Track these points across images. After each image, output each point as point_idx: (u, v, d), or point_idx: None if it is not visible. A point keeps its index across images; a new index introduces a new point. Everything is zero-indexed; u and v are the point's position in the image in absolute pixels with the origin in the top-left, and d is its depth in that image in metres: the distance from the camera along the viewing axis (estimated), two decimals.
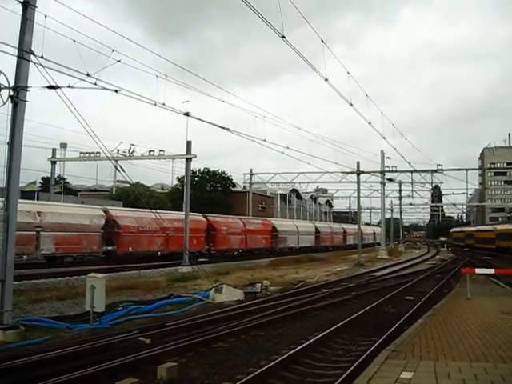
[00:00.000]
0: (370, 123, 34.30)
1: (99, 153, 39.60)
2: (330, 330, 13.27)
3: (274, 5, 16.78)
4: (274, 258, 47.70)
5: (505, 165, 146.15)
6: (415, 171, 55.62)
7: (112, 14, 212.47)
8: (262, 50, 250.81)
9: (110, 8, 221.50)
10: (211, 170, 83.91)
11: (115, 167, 19.57)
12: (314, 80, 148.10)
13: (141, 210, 41.86)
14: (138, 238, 40.85)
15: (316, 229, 75.21)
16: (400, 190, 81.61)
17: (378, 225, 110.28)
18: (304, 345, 11.59)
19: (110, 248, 38.95)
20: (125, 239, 39.92)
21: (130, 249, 40.27)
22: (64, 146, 58.47)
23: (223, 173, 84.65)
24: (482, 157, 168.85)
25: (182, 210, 40.43)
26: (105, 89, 17.78)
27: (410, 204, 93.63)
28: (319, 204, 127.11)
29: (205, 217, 49.33)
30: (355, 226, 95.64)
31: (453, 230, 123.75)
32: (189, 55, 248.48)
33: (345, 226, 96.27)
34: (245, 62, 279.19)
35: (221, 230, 50.43)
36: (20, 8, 13.52)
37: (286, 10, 16.67)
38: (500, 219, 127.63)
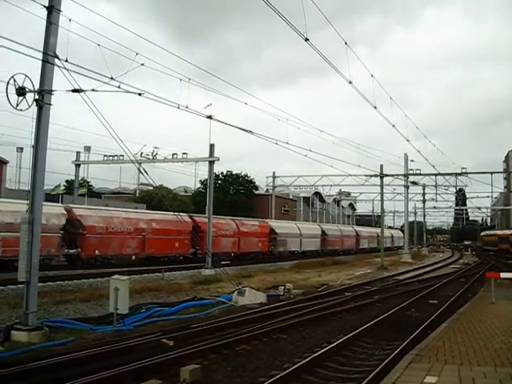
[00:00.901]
0: (394, 126, 34.10)
1: (123, 156, 39.77)
2: (352, 334, 13.22)
3: (295, 7, 16.79)
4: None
5: None
6: (439, 174, 55.16)
7: (132, 16, 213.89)
8: (284, 52, 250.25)
9: (129, 10, 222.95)
10: (234, 172, 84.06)
11: (139, 170, 19.61)
12: (336, 82, 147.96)
13: (111, 208, 41.16)
14: (106, 239, 36.82)
15: (322, 231, 69.76)
16: (424, 193, 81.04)
17: (402, 228, 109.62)
18: (327, 348, 11.55)
19: (72, 251, 35.14)
20: (90, 241, 35.86)
21: (97, 252, 36.27)
22: (88, 149, 58.85)
23: (246, 176, 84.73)
24: (506, 160, 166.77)
25: (204, 213, 40.36)
26: (128, 92, 17.87)
27: (434, 207, 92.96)
28: (342, 207, 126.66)
29: (190, 217, 45.48)
30: (371, 229, 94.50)
31: (483, 233, 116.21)
32: (209, 58, 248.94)
33: (358, 228, 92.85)
34: (266, 64, 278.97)
35: (245, 232, 49.24)
36: (45, 12, 13.65)
37: (308, 12, 16.62)
38: None
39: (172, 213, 38.07)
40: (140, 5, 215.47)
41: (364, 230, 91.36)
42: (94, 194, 76.17)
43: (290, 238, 59.53)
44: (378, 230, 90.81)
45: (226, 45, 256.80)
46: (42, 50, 13.61)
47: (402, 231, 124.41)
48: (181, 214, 42.29)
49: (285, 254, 58.27)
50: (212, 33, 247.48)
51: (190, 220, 44.27)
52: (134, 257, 39.99)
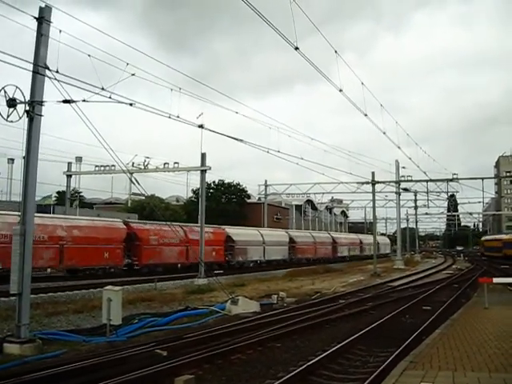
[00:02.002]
0: (384, 133, 34.20)
1: (114, 166, 39.74)
2: (347, 341, 13.19)
3: (283, 13, 16.80)
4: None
5: None
6: (430, 180, 55.35)
7: (118, 25, 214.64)
8: (273, 59, 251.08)
9: (116, 19, 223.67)
10: (226, 181, 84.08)
11: (130, 180, 19.63)
12: (326, 89, 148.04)
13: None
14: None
15: (290, 238, 61.69)
16: (415, 200, 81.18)
17: (394, 235, 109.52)
18: (321, 356, 11.53)
19: None
20: None
21: None
22: (79, 159, 58.77)
23: (238, 184, 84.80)
24: (497, 165, 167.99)
25: (197, 222, 40.17)
26: (120, 102, 17.86)
27: (426, 213, 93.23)
28: (334, 214, 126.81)
29: (126, 223, 40.42)
30: (352, 235, 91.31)
31: (485, 237, 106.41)
32: (197, 66, 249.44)
33: (336, 234, 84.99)
34: (255, 72, 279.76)
35: (148, 239, 40.15)
36: (33, 22, 13.67)
37: (296, 19, 16.61)
38: None
39: (105, 219, 36.55)
40: (126, 14, 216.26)
41: (343, 237, 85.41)
42: (85, 205, 75.99)
43: (250, 246, 52.72)
44: (361, 237, 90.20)
45: (213, 53, 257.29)
46: (31, 60, 13.60)
47: (390, 237, 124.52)
48: (114, 219, 40.64)
49: (245, 264, 52.57)
50: (199, 41, 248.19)
51: (124, 227, 39.36)
52: (49, 270, 35.01)
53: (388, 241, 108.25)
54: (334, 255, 73.76)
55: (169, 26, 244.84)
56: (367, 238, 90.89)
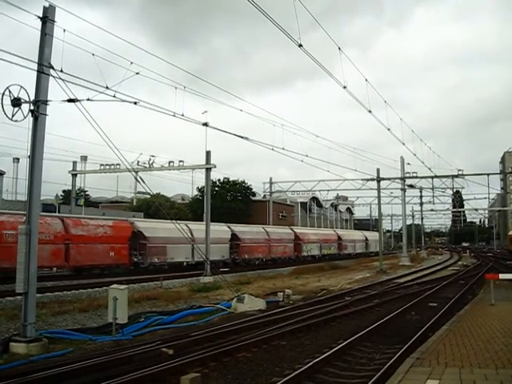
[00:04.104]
0: (389, 129, 34.09)
1: (119, 165, 39.79)
2: (353, 339, 13.17)
3: (284, 10, 16.72)
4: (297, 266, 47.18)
5: None
6: (436, 177, 55.23)
7: (116, 23, 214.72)
8: (273, 56, 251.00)
9: (114, 17, 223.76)
10: (231, 179, 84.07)
11: (135, 179, 19.61)
12: (328, 86, 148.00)
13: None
14: None
15: (234, 234, 50.74)
16: (421, 196, 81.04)
17: (400, 231, 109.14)
18: (327, 354, 11.51)
19: None
20: None
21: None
22: (84, 158, 59.00)
23: (243, 182, 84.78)
24: (503, 161, 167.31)
25: (202, 220, 40.10)
26: (124, 101, 17.85)
27: (432, 210, 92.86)
28: (340, 212, 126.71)
29: (61, 219, 34.75)
30: (329, 231, 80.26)
31: None
32: (197, 63, 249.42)
33: (303, 230, 70.26)
34: (255, 69, 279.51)
35: (80, 235, 34.31)
36: (33, 20, 13.68)
37: (294, 15, 16.50)
38: None
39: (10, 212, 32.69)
40: (124, 11, 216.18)
41: (312, 233, 70.53)
42: (91, 204, 76.13)
43: (171, 244, 41.11)
44: (343, 232, 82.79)
45: (213, 50, 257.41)
46: (34, 59, 13.62)
47: (395, 234, 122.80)
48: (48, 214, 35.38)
49: (164, 265, 41.89)
50: (198, 38, 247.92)
51: (59, 221, 34.07)
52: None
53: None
54: (297, 254, 61.42)
55: (167, 23, 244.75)
56: (352, 235, 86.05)
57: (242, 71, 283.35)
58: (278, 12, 16.16)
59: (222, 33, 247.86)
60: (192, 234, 41.17)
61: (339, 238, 76.06)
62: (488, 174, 56.19)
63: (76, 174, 49.51)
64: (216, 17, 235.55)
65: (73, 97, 14.64)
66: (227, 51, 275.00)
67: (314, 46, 19.50)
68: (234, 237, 50.70)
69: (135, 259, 39.38)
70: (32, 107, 13.42)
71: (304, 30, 16.49)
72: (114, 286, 15.39)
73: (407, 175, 54.93)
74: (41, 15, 13.69)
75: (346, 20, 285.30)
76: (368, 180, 54.16)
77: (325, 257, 66.65)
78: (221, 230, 48.28)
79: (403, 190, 59.28)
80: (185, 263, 43.82)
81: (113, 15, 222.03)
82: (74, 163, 49.39)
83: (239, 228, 52.84)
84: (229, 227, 50.80)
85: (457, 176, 54.31)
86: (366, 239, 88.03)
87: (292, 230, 63.19)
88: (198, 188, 78.52)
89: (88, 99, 15.96)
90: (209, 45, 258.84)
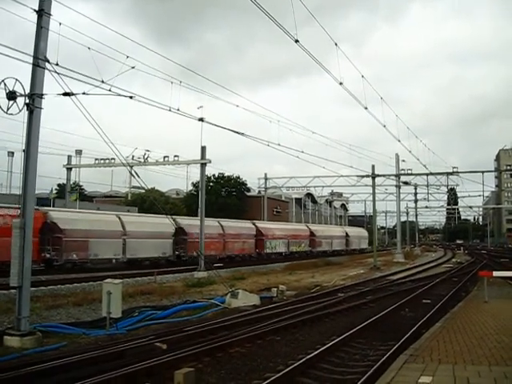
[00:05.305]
0: (384, 126, 34.13)
1: (114, 159, 39.75)
2: (346, 335, 13.19)
3: (278, 4, 16.63)
4: (289, 262, 47.17)
5: None
6: (430, 174, 55.33)
7: (109, 16, 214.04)
8: (268, 51, 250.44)
9: (106, 10, 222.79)
10: (226, 174, 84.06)
11: (130, 173, 19.55)
12: (324, 81, 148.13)
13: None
14: None
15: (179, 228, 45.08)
16: (415, 193, 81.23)
17: (394, 228, 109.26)
18: (321, 349, 11.53)
19: None
20: None
21: None
22: (79, 152, 58.78)
23: (238, 178, 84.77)
24: (497, 158, 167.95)
25: (197, 216, 40.07)
26: (119, 95, 17.80)
27: (426, 207, 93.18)
28: (334, 208, 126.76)
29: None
30: (295, 226, 72.84)
31: None
32: (190, 58, 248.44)
33: (280, 226, 65.18)
34: (250, 64, 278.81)
35: None
36: (26, 12, 13.67)
37: (289, 10, 16.40)
38: None
39: None
40: (117, 5, 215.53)
41: (278, 228, 62.84)
42: (85, 198, 76.00)
43: (95, 238, 36.47)
44: (317, 228, 75.36)
45: (206, 44, 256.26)
46: (29, 52, 13.58)
47: (390, 231, 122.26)
48: None
49: (87, 263, 36.36)
50: (192, 32, 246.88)
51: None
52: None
53: (366, 234, 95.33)
54: (261, 251, 56.66)
55: (159, 17, 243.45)
56: (326, 230, 78.34)
57: (236, 66, 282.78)
58: (272, 6, 16.04)
59: (215, 27, 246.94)
60: (124, 227, 38.95)
61: (312, 233, 69.30)
62: (483, 172, 56.34)
63: (71, 168, 49.41)
64: (210, 11, 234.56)
65: (68, 90, 14.60)
66: (221, 46, 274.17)
67: (309, 41, 19.41)
68: (180, 231, 45.09)
69: (47, 255, 34.06)
70: (27, 100, 13.37)
71: (298, 24, 16.42)
72: (108, 280, 15.38)
73: (402, 172, 55.04)
74: (37, 8, 13.64)
75: (341, 15, 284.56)
76: (363, 176, 54.27)
77: (293, 255, 61.06)
78: (162, 222, 40.64)
79: (398, 186, 59.45)
80: (114, 260, 38.69)
81: (105, 9, 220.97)
82: (69, 157, 49.31)
83: (186, 221, 46.61)
84: (174, 220, 43.31)
85: (451, 173, 54.47)
86: (347, 235, 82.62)
87: (254, 224, 57.55)
88: (192, 183, 78.58)
89: (84, 93, 15.91)
90: (202, 39, 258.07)
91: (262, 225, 59.63)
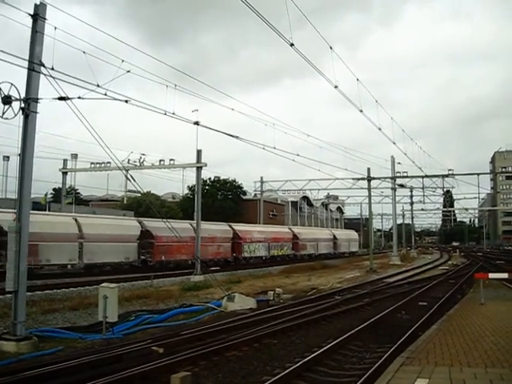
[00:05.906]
0: (380, 129, 34.13)
1: (110, 163, 39.78)
2: (343, 338, 13.20)
3: (273, 7, 16.61)
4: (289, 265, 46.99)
5: None
6: (426, 176, 55.44)
7: (102, 19, 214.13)
8: (262, 54, 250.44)
9: (100, 13, 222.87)
10: (222, 178, 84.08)
11: (126, 177, 19.46)
12: (318, 84, 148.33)
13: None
14: None
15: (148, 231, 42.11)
16: (411, 196, 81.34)
17: (390, 230, 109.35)
18: (317, 352, 11.53)
19: None
20: None
21: None
22: (75, 156, 58.72)
23: (234, 181, 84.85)
24: (493, 161, 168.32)
25: (193, 219, 40.01)
26: (115, 99, 17.77)
27: (422, 209, 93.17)
28: (330, 211, 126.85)
29: None
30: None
31: None
32: (184, 62, 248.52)
33: (260, 228, 61.41)
34: (244, 67, 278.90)
35: None
36: (20, 16, 13.67)
37: (285, 11, 16.38)
38: None
39: None
40: (109, 8, 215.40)
41: (257, 230, 59.35)
42: (81, 202, 75.89)
43: (46, 241, 32.43)
44: (300, 230, 71.50)
45: (200, 47, 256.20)
46: (24, 57, 13.57)
47: (385, 233, 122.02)
48: None
49: (38, 268, 32.76)
50: (185, 35, 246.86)
51: None
52: None
53: (356, 236, 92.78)
54: (232, 255, 52.80)
55: (152, 20, 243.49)
56: (311, 234, 74.29)
57: (230, 69, 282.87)
58: (266, 9, 16.03)
59: (209, 30, 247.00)
60: (81, 230, 36.00)
61: (295, 236, 65.93)
62: (478, 174, 56.44)
63: (66, 172, 49.51)
64: (203, 13, 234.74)
65: (64, 95, 14.60)
66: (215, 48, 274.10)
67: (303, 44, 19.39)
68: (146, 234, 41.75)
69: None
70: (23, 105, 13.37)
71: (293, 27, 16.39)
72: (105, 284, 15.34)
73: (398, 175, 55.14)
74: (32, 12, 13.63)
75: (335, 18, 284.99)
76: (359, 179, 54.21)
77: (275, 258, 59.09)
78: (125, 225, 40.41)
79: (394, 189, 59.53)
80: (69, 266, 36.04)
81: (98, 11, 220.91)
82: (65, 161, 49.42)
83: (153, 223, 41.11)
84: (139, 222, 42.21)
85: (447, 176, 54.59)
86: (335, 238, 79.35)
87: (230, 226, 54.25)
88: (188, 187, 78.53)
89: (79, 97, 15.89)
90: (196, 42, 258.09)
91: (240, 227, 56.08)
